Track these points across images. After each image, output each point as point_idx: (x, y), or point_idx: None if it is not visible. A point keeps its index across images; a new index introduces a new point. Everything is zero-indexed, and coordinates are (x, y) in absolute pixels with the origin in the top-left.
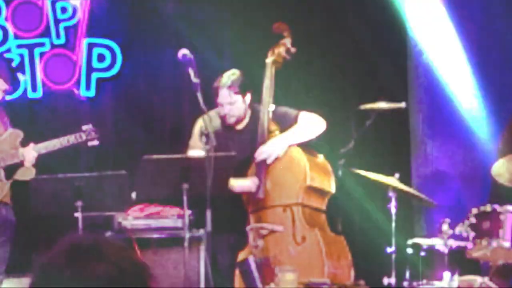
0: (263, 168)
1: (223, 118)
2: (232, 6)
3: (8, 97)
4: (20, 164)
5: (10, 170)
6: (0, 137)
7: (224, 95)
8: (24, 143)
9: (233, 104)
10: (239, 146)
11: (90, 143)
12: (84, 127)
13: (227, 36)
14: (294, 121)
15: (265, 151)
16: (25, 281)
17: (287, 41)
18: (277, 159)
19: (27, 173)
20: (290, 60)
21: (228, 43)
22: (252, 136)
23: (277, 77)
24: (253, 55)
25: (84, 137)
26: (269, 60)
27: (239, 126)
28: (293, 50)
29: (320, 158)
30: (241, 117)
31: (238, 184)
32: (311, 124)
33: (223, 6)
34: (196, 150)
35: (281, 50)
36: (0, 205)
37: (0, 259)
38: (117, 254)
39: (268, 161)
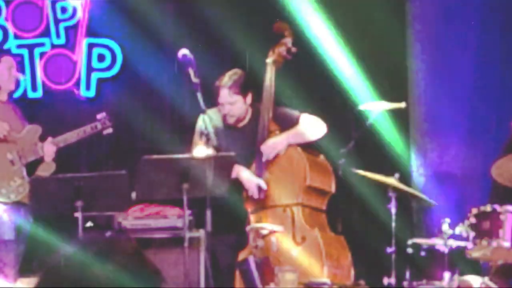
0: (263, 168)
1: (223, 117)
2: (232, 6)
3: None
4: (41, 160)
5: (31, 167)
6: (20, 134)
7: (225, 95)
8: (42, 138)
9: (233, 104)
10: (239, 145)
11: (105, 132)
12: (98, 116)
13: (227, 36)
14: (295, 122)
15: (266, 149)
16: (27, 281)
17: (288, 41)
18: (277, 158)
19: (47, 168)
20: (291, 59)
21: (228, 43)
22: (252, 135)
23: (278, 77)
24: (254, 55)
25: (99, 127)
26: (269, 60)
27: (240, 125)
28: (294, 49)
29: (321, 158)
30: (241, 117)
31: (246, 176)
32: (312, 127)
33: (224, 6)
34: (200, 147)
35: (281, 49)
36: (19, 205)
37: (15, 258)
38: (128, 258)
39: (270, 157)
